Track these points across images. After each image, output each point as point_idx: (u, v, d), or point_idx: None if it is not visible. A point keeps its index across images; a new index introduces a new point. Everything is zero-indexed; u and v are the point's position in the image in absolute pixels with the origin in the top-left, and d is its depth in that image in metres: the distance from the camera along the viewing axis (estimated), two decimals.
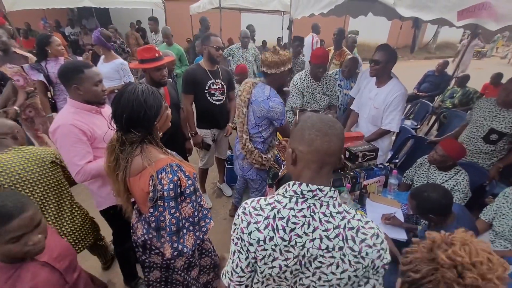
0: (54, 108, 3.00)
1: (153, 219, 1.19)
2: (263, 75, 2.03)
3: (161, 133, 1.27)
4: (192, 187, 1.19)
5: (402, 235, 1.79)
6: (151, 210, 1.17)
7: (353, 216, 0.78)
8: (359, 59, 3.70)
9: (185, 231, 1.21)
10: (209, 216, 1.33)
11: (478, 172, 2.28)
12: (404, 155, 3.18)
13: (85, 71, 1.50)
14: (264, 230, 0.78)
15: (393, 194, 2.10)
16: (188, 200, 1.19)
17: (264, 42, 8.24)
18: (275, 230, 0.77)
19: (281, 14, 7.78)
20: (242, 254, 0.82)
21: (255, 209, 0.82)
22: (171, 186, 1.11)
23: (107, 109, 1.70)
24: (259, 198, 0.85)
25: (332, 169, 0.83)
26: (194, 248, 1.28)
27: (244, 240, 0.80)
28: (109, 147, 1.19)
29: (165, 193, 1.11)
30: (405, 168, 2.49)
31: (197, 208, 1.24)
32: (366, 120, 2.47)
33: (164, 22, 6.33)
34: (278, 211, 0.79)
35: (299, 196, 0.78)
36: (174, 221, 1.16)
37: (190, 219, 1.21)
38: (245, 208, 0.84)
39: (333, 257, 0.76)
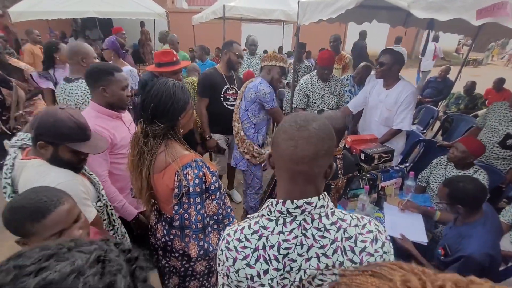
0: None
1: (177, 217, 1.16)
2: (260, 70, 2.37)
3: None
4: (217, 183, 1.18)
5: (422, 238, 1.76)
6: (176, 207, 1.14)
7: (350, 223, 0.69)
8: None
9: (209, 229, 1.18)
10: (232, 215, 1.31)
11: (495, 174, 2.26)
12: (414, 159, 3.17)
13: (115, 74, 1.51)
14: (255, 264, 0.68)
15: (410, 197, 2.08)
16: (213, 197, 1.17)
17: (265, 51, 8.35)
18: (268, 261, 0.68)
19: (281, 24, 7.91)
20: None
21: (240, 241, 0.71)
22: (197, 181, 1.10)
23: (127, 115, 1.69)
24: (242, 225, 0.74)
25: (317, 180, 0.69)
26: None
27: (231, 278, 0.71)
28: (133, 139, 1.18)
29: (190, 188, 1.10)
30: (416, 172, 2.48)
31: (221, 205, 1.22)
32: (378, 122, 2.47)
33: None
34: (267, 238, 0.69)
35: (286, 216, 0.68)
36: (200, 218, 1.13)
37: (214, 217, 1.19)
38: (228, 242, 0.73)
39: (334, 274, 0.65)
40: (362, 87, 3.34)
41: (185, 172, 1.10)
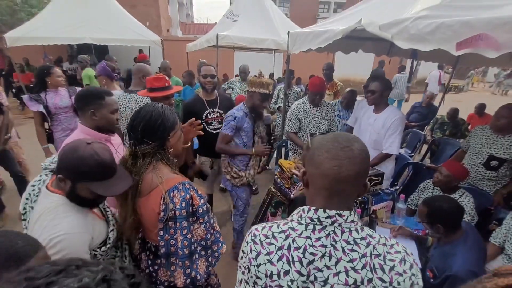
0: (50, 139, 2.94)
1: (163, 243, 1.10)
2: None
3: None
4: (205, 206, 1.15)
5: (411, 251, 1.74)
6: (161, 233, 1.09)
7: (378, 241, 0.70)
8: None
9: (197, 256, 1.12)
10: (221, 240, 1.26)
11: (482, 196, 2.30)
12: (403, 182, 3.21)
13: (106, 98, 1.53)
14: (277, 262, 0.69)
15: (402, 220, 2.08)
16: (201, 220, 1.13)
17: None
18: (291, 262, 0.68)
19: (272, 52, 8.26)
20: (249, 285, 0.74)
21: (266, 237, 0.73)
22: (183, 204, 1.07)
23: (117, 138, 1.68)
24: (271, 224, 0.76)
25: (352, 197, 0.72)
26: (206, 276, 1.18)
27: (251, 272, 0.72)
28: (121, 162, 1.17)
29: (177, 212, 1.07)
30: (406, 195, 2.50)
31: (209, 230, 1.17)
32: (368, 145, 2.51)
33: (162, 58, 6.61)
34: (293, 240, 0.70)
35: (316, 224, 0.69)
36: (187, 243, 1.08)
37: (202, 242, 1.14)
38: (255, 236, 0.75)
39: None
40: (350, 111, 3.47)
41: (171, 195, 1.07)
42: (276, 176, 2.40)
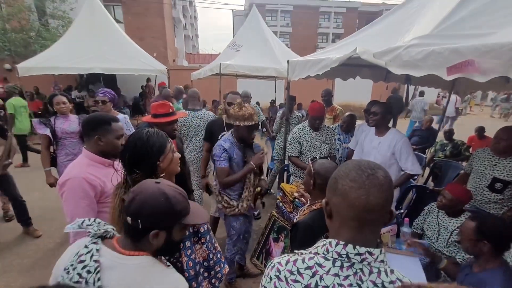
0: (54, 163, 3.00)
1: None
2: None
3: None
4: (206, 226, 1.15)
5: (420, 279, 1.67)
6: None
7: None
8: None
9: (201, 278, 1.11)
10: (223, 260, 1.24)
11: None
12: (407, 206, 3.16)
13: (112, 124, 1.57)
14: None
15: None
16: (202, 240, 1.13)
17: (258, 103, 8.83)
18: None
19: (273, 79, 8.55)
20: None
21: (291, 273, 0.68)
22: None
23: (119, 163, 1.71)
24: (295, 258, 0.70)
25: (380, 227, 0.70)
26: None
27: None
28: (115, 190, 1.16)
29: None
30: (411, 218, 2.46)
31: (211, 250, 1.16)
32: None
33: (168, 86, 6.87)
34: (321, 278, 0.65)
35: (344, 260, 0.65)
36: (191, 264, 1.07)
37: (205, 263, 1.13)
38: (279, 271, 0.69)
39: None
40: (350, 135, 3.52)
41: None
42: (278, 201, 2.38)
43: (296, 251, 0.75)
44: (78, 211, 1.42)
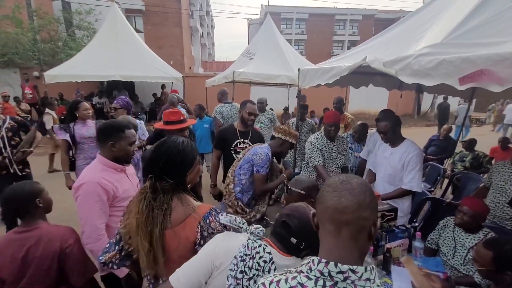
0: (73, 166, 3.13)
1: None
2: (271, 138, 2.41)
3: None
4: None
5: None
6: None
7: None
8: None
9: None
10: None
11: (508, 236, 2.12)
12: (422, 219, 3.03)
13: (126, 131, 1.63)
14: None
15: (420, 260, 1.93)
16: None
17: (271, 109, 8.83)
18: None
19: (287, 86, 8.57)
20: None
21: None
22: (220, 228, 1.13)
23: (131, 168, 1.77)
24: (278, 278, 0.71)
25: (360, 236, 0.68)
26: None
27: None
28: (140, 194, 1.14)
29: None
30: (426, 232, 2.35)
31: None
32: (382, 179, 2.46)
33: (183, 93, 7.06)
34: None
35: (326, 279, 0.64)
36: None
37: None
38: None
39: None
40: (362, 144, 3.44)
41: (208, 221, 1.13)
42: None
43: (285, 269, 0.77)
44: (91, 214, 1.49)
